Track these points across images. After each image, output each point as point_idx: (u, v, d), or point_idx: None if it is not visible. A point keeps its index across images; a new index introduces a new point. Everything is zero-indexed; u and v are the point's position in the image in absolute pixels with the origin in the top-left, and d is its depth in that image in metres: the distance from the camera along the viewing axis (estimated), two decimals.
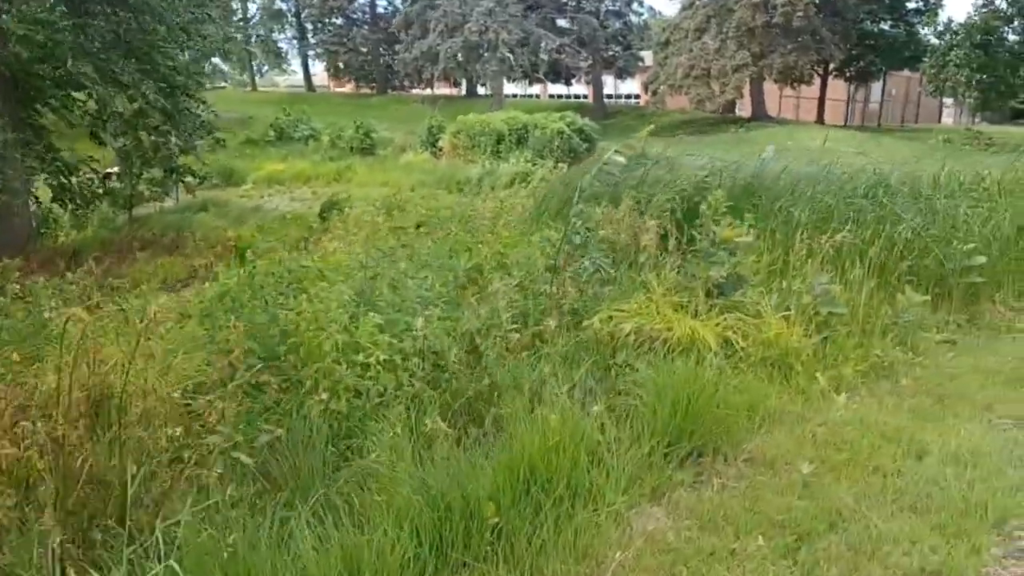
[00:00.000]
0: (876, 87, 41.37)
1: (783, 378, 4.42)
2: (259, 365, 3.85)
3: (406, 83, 43.47)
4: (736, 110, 36.24)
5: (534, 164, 20.02)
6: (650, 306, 4.78)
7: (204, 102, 14.16)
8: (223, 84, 69.53)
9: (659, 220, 5.64)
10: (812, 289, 4.88)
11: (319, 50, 50.50)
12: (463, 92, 46.36)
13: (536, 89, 49.38)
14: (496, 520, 2.79)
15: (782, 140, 27.46)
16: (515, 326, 4.67)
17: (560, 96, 47.16)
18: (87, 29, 11.96)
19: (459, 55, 31.80)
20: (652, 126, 19.74)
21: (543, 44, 32.46)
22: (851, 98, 40.74)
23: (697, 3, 31.04)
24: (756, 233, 5.62)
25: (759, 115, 32.65)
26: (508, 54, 30.39)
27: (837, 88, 38.21)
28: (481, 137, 21.39)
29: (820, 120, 35.52)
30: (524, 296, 5.08)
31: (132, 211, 15.08)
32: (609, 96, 47.83)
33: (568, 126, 20.97)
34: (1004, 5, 27.56)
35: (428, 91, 41.64)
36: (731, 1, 29.14)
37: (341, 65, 50.62)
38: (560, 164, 20.15)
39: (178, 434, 2.66)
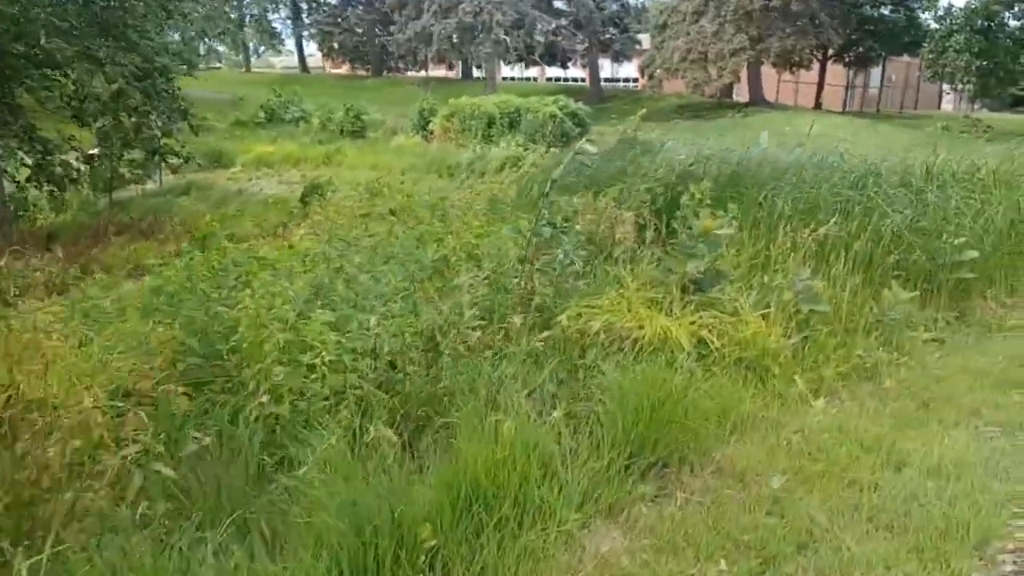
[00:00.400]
0: (876, 73, 40.94)
1: (759, 380, 4.19)
2: (195, 364, 3.62)
3: (400, 65, 42.90)
4: (734, 95, 35.82)
5: (526, 148, 19.69)
6: (622, 302, 4.53)
7: (179, 88, 13.77)
8: (218, 65, 68.94)
9: (637, 211, 5.38)
10: (793, 285, 4.64)
11: (313, 31, 49.86)
12: (459, 75, 45.87)
13: (534, 72, 48.83)
14: (433, 543, 2.56)
15: (779, 126, 27.12)
16: (480, 322, 4.43)
17: (558, 79, 46.61)
18: (62, 5, 11.61)
19: (453, 36, 31.29)
20: (644, 111, 19.36)
21: (538, 26, 31.95)
22: (850, 84, 40.32)
23: None
24: (738, 225, 5.38)
25: (756, 100, 32.26)
26: (503, 36, 29.91)
27: (836, 73, 37.76)
28: (472, 121, 21.04)
29: (818, 106, 35.12)
30: (494, 290, 4.84)
31: (112, 194, 14.76)
32: (607, 80, 47.32)
33: (561, 110, 20.62)
34: None
35: (423, 73, 41.10)
36: None
37: (336, 46, 49.98)
38: (552, 148, 19.84)
39: (78, 447, 2.41)
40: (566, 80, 45.62)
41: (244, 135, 26.26)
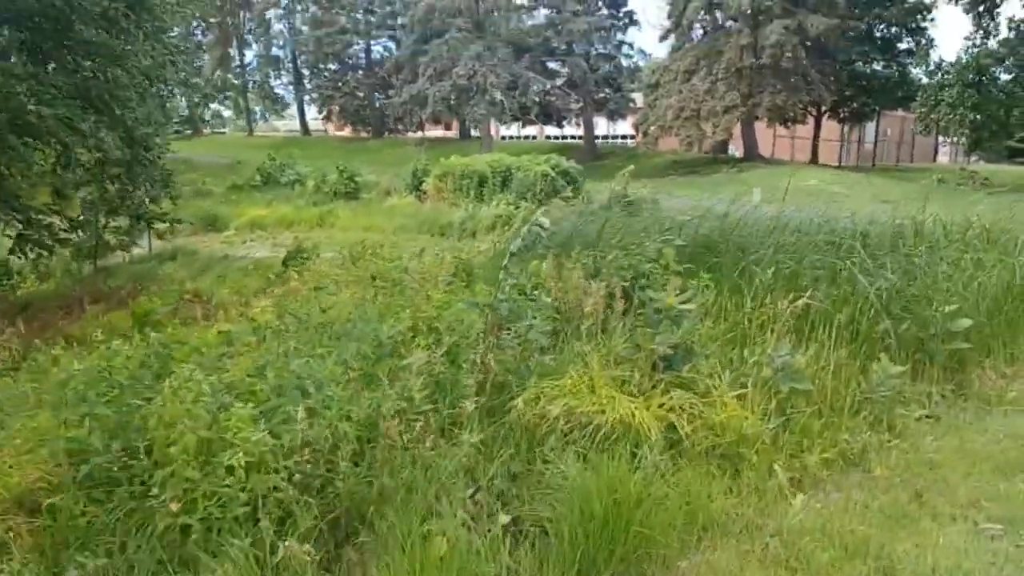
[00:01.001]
0: (871, 127, 41.33)
1: (734, 471, 3.80)
2: (101, 466, 3.27)
3: (399, 127, 43.49)
4: (729, 150, 36.06)
5: (516, 207, 19.58)
6: (586, 383, 4.19)
7: (160, 156, 13.72)
8: (223, 130, 70.21)
9: (607, 282, 5.07)
10: (772, 361, 4.29)
11: (314, 95, 50.83)
12: (457, 134, 46.47)
13: (533, 131, 49.48)
14: None
15: (773, 181, 27.10)
16: (431, 407, 4.09)
17: (556, 137, 47.19)
18: (45, 76, 11.61)
19: (448, 98, 31.70)
20: (632, 167, 19.25)
21: (532, 87, 32.39)
22: (846, 139, 40.65)
23: (687, 45, 31.02)
24: (714, 295, 5.07)
25: (751, 155, 32.41)
26: (498, 97, 30.27)
27: (831, 128, 38.11)
28: (464, 180, 21.02)
29: (814, 160, 35.29)
30: (452, 369, 4.51)
31: (98, 261, 14.59)
32: (605, 137, 47.85)
33: (552, 168, 20.59)
34: (995, 45, 27.43)
35: (422, 133, 41.62)
36: (720, 42, 29.10)
37: (337, 109, 50.90)
38: (543, 207, 19.71)
39: None
40: (564, 138, 46.18)
41: (240, 198, 26.34)
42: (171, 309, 10.61)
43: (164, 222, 14.48)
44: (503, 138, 52.26)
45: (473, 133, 43.19)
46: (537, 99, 33.58)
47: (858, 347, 4.99)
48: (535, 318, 4.73)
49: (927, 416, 4.73)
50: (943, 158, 47.39)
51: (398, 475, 3.52)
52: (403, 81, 34.01)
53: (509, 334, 4.53)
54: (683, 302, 4.51)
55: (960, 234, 7.47)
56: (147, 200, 14.72)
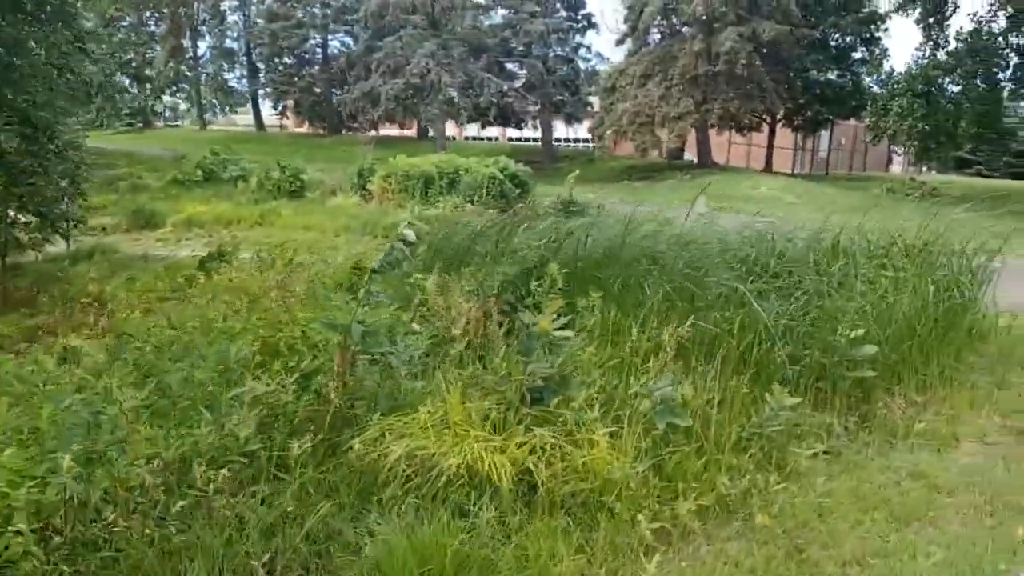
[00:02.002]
0: (825, 136, 41.70)
1: (592, 524, 3.36)
2: None
3: (354, 124, 42.62)
4: (685, 156, 36.03)
5: (463, 209, 19.10)
6: (441, 419, 3.71)
7: (68, 149, 12.86)
8: (177, 123, 68.37)
9: (484, 301, 4.62)
10: (651, 394, 3.87)
11: (269, 89, 49.61)
12: (415, 134, 45.72)
13: (495, 132, 48.89)
14: None
15: (723, 188, 27.04)
16: (260, 446, 3.59)
17: (519, 139, 46.71)
18: None
19: (401, 97, 31.04)
20: (577, 172, 18.85)
21: (487, 88, 31.89)
22: (800, 147, 40.95)
23: (643, 50, 30.84)
24: (597, 318, 4.64)
25: (705, 162, 32.38)
26: (453, 96, 29.71)
27: (787, 137, 38.32)
28: (409, 181, 20.45)
29: (768, 168, 35.42)
30: (307, 399, 4.01)
31: (5, 259, 13.69)
32: (566, 140, 47.53)
33: (501, 171, 20.13)
34: (944, 57, 27.72)
35: (375, 132, 40.83)
36: (675, 48, 28.95)
37: (292, 104, 49.77)
38: (489, 211, 19.27)
39: None
40: (526, 140, 45.80)
41: (179, 194, 25.34)
42: (66, 314, 9.91)
43: (70, 220, 13.62)
44: (466, 138, 51.68)
45: (431, 133, 42.55)
46: (494, 100, 33.09)
47: (755, 376, 4.61)
48: (401, 342, 4.26)
49: (824, 452, 4.35)
50: (896, 168, 48.13)
51: (201, 532, 3.01)
52: (356, 78, 33.24)
53: (368, 360, 4.04)
54: (562, 326, 4.06)
55: (883, 249, 7.18)
56: (64, 196, 13.87)
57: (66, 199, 13.61)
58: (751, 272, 5.68)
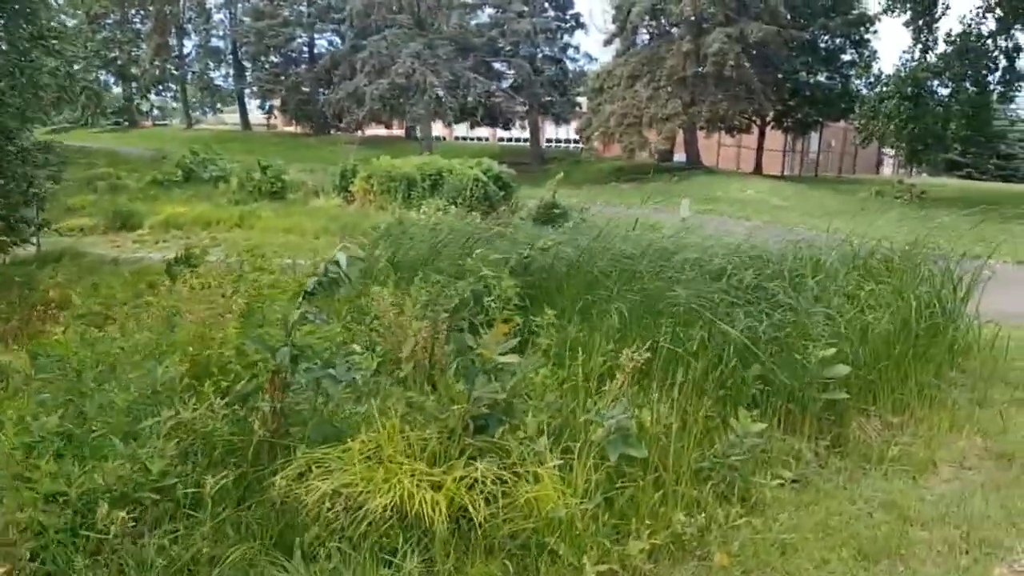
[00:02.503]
0: (815, 138, 41.59)
1: (532, 569, 3.08)
2: None
3: (341, 124, 42.25)
4: (674, 158, 35.80)
5: (445, 212, 18.81)
6: (374, 450, 3.43)
7: (29, 150, 12.45)
8: (164, 122, 67.73)
9: (435, 320, 4.33)
10: (604, 422, 3.59)
11: (255, 88, 49.14)
12: (404, 134, 45.36)
13: (485, 132, 48.48)
14: None
15: (711, 190, 26.88)
16: (176, 480, 3.30)
17: (509, 140, 46.39)
18: None
19: (386, 96, 30.69)
20: (561, 175, 18.55)
21: (473, 88, 31.57)
22: (791, 148, 40.82)
23: (631, 51, 30.60)
24: (552, 337, 4.36)
25: (694, 164, 32.18)
26: (439, 96, 29.39)
27: (777, 139, 38.17)
28: (392, 182, 20.13)
29: (758, 170, 35.26)
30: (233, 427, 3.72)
31: None
32: (556, 141, 47.25)
33: (484, 173, 19.83)
34: (933, 59, 27.58)
35: (361, 132, 40.46)
36: (663, 49, 28.72)
37: (279, 104, 49.33)
38: (473, 213, 19.00)
39: None
40: (516, 141, 45.56)
41: (158, 195, 24.95)
42: (23, 321, 9.57)
43: (31, 224, 13.23)
44: (456, 139, 51.34)
45: (419, 133, 42.17)
46: (480, 100, 32.77)
47: (724, 399, 4.35)
48: (342, 364, 3.97)
49: (792, 481, 4.09)
50: (887, 170, 48.08)
51: None
52: (341, 77, 32.88)
53: (305, 384, 3.74)
54: (514, 348, 3.77)
55: (862, 260, 6.93)
56: (27, 200, 13.46)
57: (32, 202, 13.20)
58: (724, 286, 5.41)
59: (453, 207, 19.61)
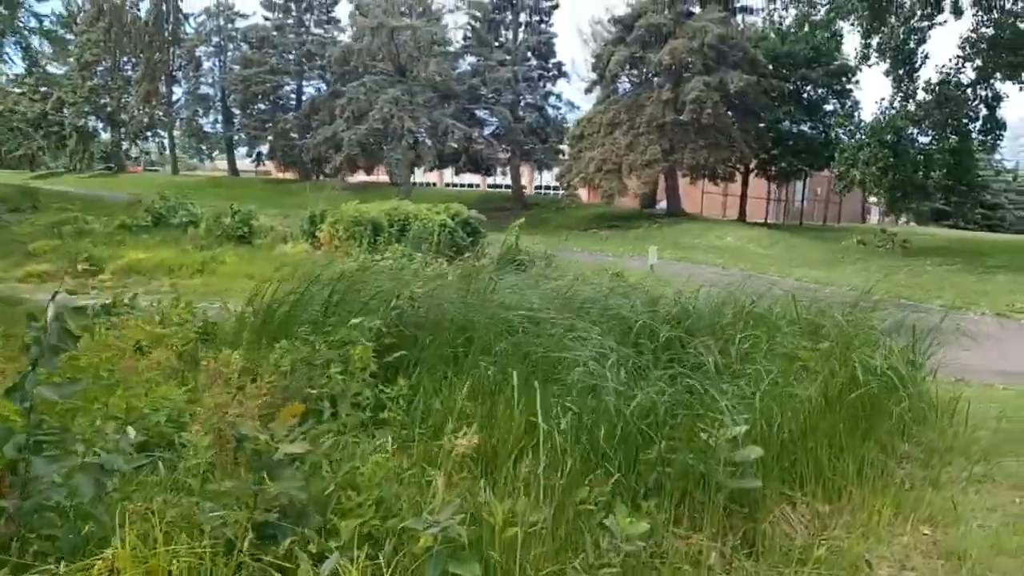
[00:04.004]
0: (800, 186, 41.44)
1: None
2: None
3: (325, 169, 42.06)
4: (656, 204, 35.49)
5: (410, 259, 18.20)
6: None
7: None
8: (155, 168, 67.61)
9: (267, 390, 3.62)
10: (429, 526, 2.83)
11: (242, 135, 49.13)
12: (388, 180, 45.09)
13: (477, 179, 48.22)
14: None
15: (690, 238, 26.40)
16: None
17: (499, 186, 46.19)
18: None
19: (363, 142, 30.41)
20: (522, 220, 17.99)
21: (452, 134, 31.35)
22: (775, 196, 40.61)
23: (611, 98, 30.49)
24: (399, 413, 3.63)
25: (674, 211, 31.80)
26: (420, 140, 29.09)
27: (762, 186, 37.96)
28: (357, 227, 19.56)
29: (742, 218, 34.93)
30: None
31: None
32: (544, 188, 47.05)
33: (452, 218, 19.30)
34: (912, 107, 27.41)
35: (342, 178, 40.18)
36: (643, 97, 28.58)
37: (266, 150, 49.30)
38: (439, 259, 18.39)
39: None
40: (506, 187, 45.41)
41: (124, 239, 24.40)
42: None
43: None
44: (448, 185, 51.21)
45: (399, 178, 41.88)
46: (458, 146, 32.53)
47: (615, 485, 3.60)
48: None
49: None
50: (873, 219, 47.88)
51: None
52: (319, 123, 32.67)
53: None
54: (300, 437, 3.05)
55: (809, 315, 6.25)
56: None
57: None
58: (634, 342, 4.71)
59: (420, 254, 19.05)
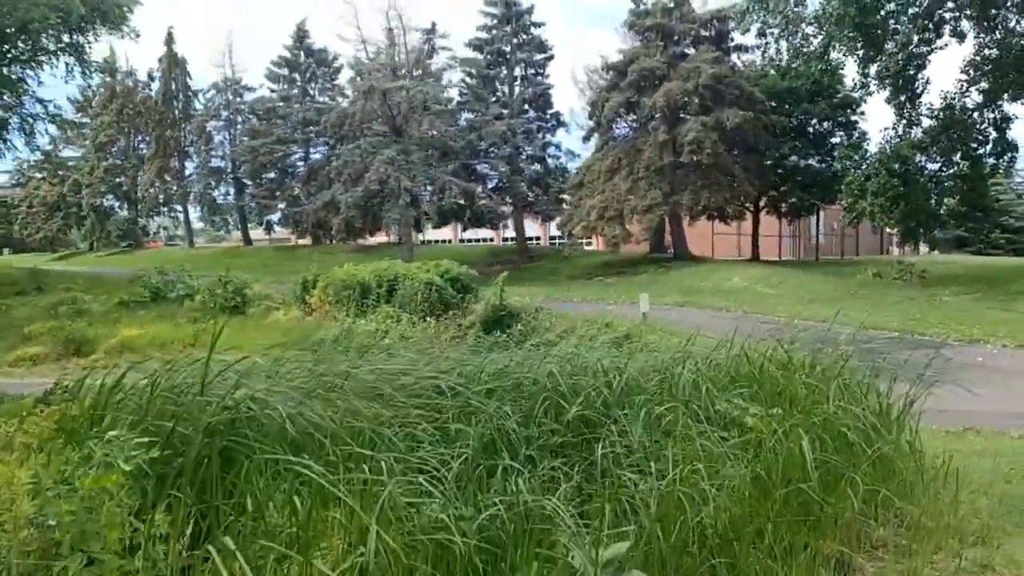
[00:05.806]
0: (815, 221, 40.40)
1: None
2: None
3: (329, 233, 42.08)
4: (665, 248, 34.72)
5: (397, 320, 17.64)
6: None
7: None
8: (175, 243, 68.40)
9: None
10: None
11: (253, 204, 49.54)
12: (397, 240, 44.94)
13: (489, 233, 47.86)
14: None
15: (696, 281, 25.53)
16: None
17: (512, 239, 45.88)
18: None
19: (360, 204, 30.27)
20: (505, 273, 17.41)
21: (450, 190, 31.11)
22: (789, 233, 39.62)
23: (609, 144, 30.13)
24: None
25: (681, 254, 31.00)
26: (414, 200, 28.86)
27: (774, 224, 37.02)
28: (345, 291, 19.08)
29: (756, 256, 33.96)
30: None
31: None
32: (552, 239, 46.60)
33: (441, 276, 18.73)
34: (919, 134, 26.60)
35: (348, 240, 40.11)
36: (640, 141, 28.17)
37: (276, 218, 49.69)
38: (427, 319, 17.78)
39: None
40: (507, 240, 45.02)
41: (121, 316, 24.18)
42: None
43: None
44: (461, 240, 51.07)
45: (421, 237, 41.75)
46: (462, 202, 32.27)
47: None
48: None
49: None
50: (894, 250, 46.46)
51: None
52: (317, 187, 32.70)
53: None
54: None
55: (777, 369, 5.41)
56: None
57: None
58: (538, 422, 3.95)
59: (408, 314, 18.44)
